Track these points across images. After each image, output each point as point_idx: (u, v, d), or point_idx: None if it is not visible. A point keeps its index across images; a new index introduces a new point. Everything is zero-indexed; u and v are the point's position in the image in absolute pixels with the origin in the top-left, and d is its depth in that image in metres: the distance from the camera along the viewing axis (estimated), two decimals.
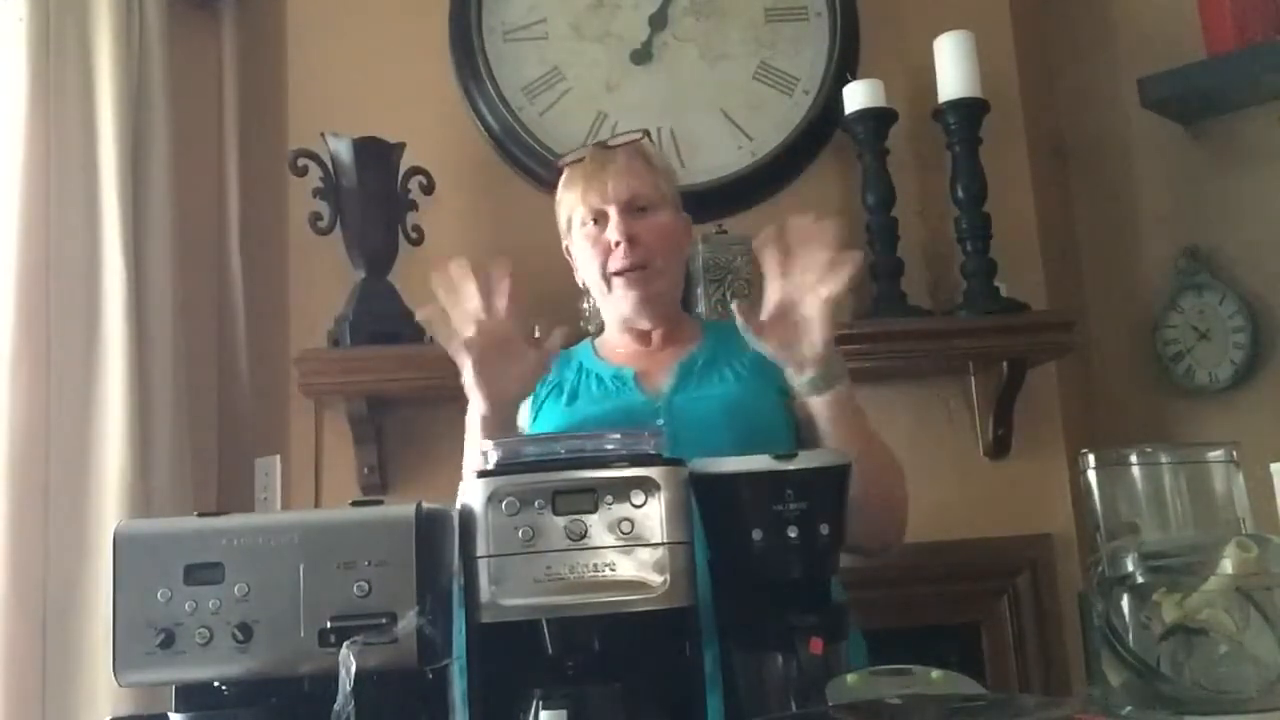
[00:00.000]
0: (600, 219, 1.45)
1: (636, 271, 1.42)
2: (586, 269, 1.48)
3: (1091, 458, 1.14)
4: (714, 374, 1.44)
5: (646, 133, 1.54)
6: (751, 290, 2.05)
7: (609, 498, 1.01)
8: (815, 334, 1.23)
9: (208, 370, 2.35)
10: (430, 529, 1.01)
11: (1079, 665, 1.99)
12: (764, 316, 1.24)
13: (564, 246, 1.54)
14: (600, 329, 1.61)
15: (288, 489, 2.18)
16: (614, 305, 1.47)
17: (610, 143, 1.51)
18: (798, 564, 1.09)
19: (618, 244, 1.42)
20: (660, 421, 1.35)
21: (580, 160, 1.49)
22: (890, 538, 1.39)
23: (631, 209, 1.43)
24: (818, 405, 1.28)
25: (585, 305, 2.01)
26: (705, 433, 1.29)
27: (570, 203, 1.48)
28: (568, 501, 1.01)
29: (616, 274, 1.43)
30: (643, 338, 1.50)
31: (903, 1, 2.36)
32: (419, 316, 1.32)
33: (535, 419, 1.45)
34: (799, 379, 1.27)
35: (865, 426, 1.31)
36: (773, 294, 1.25)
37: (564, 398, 1.46)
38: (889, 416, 1.80)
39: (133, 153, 2.11)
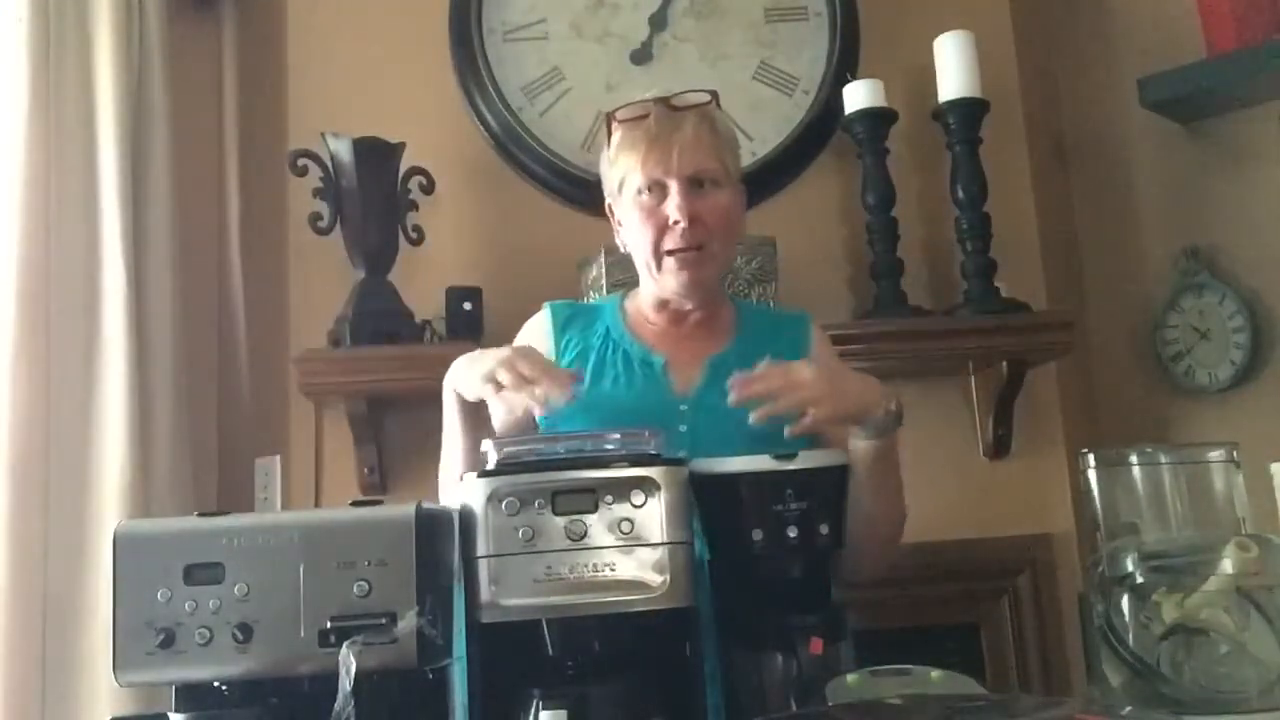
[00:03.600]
0: (658, 190, 1.35)
1: (692, 253, 1.35)
2: (636, 241, 1.39)
3: (1091, 458, 1.15)
4: None
5: (714, 94, 1.40)
6: (752, 290, 2.04)
7: (609, 498, 1.01)
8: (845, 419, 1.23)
9: (208, 370, 2.35)
10: (430, 529, 1.01)
11: (1079, 665, 1.99)
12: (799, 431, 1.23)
13: (607, 205, 1.46)
14: (624, 283, 1.52)
15: (288, 489, 2.18)
16: (660, 282, 1.39)
17: (676, 102, 1.37)
18: (798, 564, 1.10)
19: (676, 223, 1.34)
20: (683, 428, 1.33)
21: (642, 117, 1.36)
22: (877, 573, 1.39)
23: (694, 184, 1.34)
24: (857, 449, 1.28)
25: (588, 298, 2.00)
26: (730, 446, 1.21)
27: (627, 165, 1.37)
28: (568, 501, 1.01)
29: (670, 253, 1.36)
30: (678, 317, 1.43)
31: (903, 1, 2.36)
32: (502, 393, 1.23)
33: None
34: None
35: (897, 477, 1.31)
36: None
37: (587, 370, 1.39)
38: None
39: (133, 153, 2.11)
